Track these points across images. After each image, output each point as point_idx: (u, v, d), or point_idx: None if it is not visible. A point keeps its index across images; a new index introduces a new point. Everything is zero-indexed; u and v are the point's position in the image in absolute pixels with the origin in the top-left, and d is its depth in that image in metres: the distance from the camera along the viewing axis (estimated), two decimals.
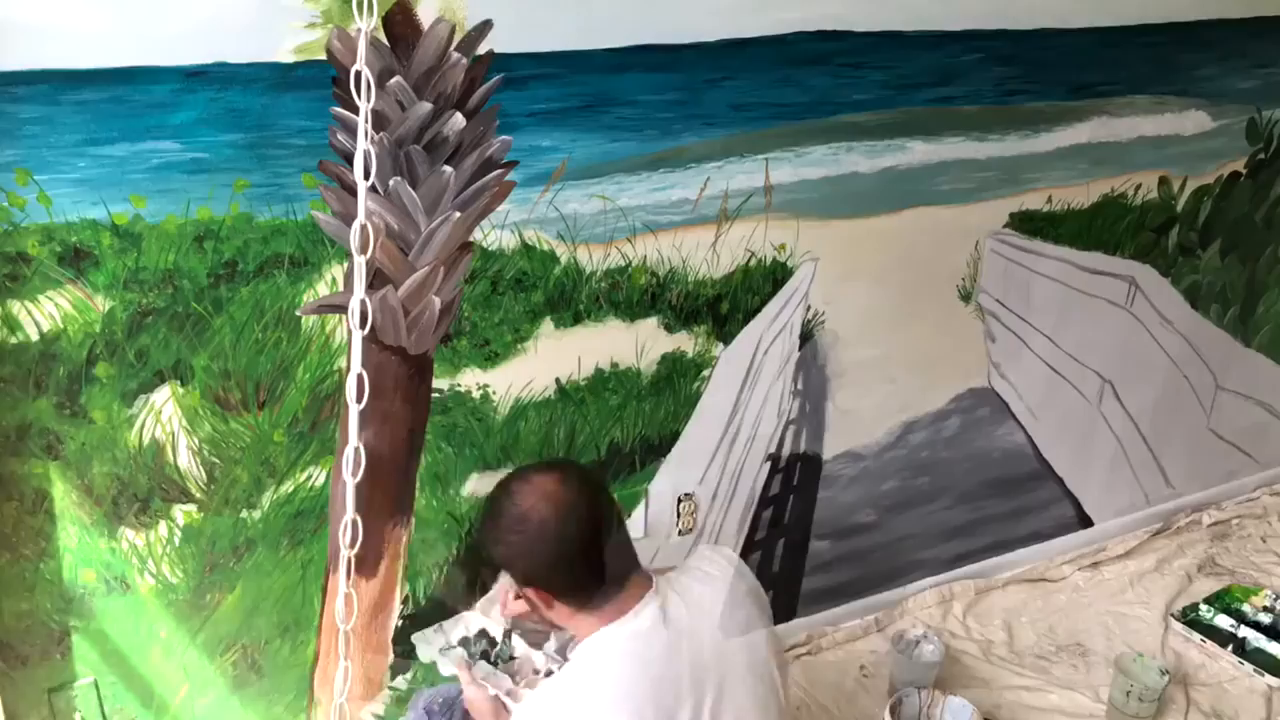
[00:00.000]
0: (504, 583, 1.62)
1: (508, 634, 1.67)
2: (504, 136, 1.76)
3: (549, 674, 1.55)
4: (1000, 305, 2.55)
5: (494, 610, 1.72)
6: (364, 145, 1.38)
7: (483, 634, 1.65)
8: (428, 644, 1.65)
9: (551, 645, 1.60)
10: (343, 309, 1.66)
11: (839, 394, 2.40)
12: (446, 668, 1.59)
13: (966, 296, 2.50)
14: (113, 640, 1.75)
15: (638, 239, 1.98)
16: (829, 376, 2.38)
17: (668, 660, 1.37)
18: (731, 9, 1.90)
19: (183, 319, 1.64)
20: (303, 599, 1.89)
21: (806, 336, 2.30)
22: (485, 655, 1.60)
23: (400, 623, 1.99)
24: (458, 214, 1.75)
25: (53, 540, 1.65)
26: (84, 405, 1.61)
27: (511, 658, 1.61)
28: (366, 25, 1.36)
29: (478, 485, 1.99)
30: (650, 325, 2.08)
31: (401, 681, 2.04)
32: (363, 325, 1.43)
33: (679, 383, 2.16)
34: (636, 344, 2.07)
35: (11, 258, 1.49)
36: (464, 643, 1.64)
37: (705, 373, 2.18)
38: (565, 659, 1.57)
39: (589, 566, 1.38)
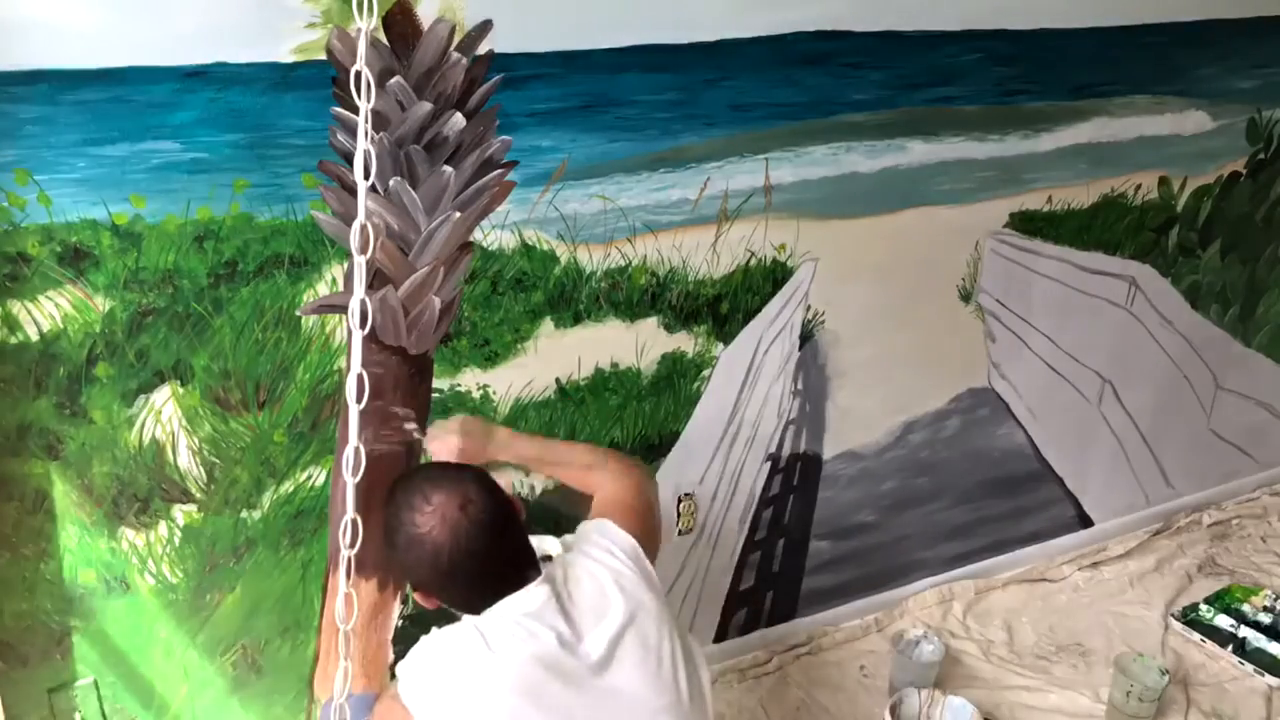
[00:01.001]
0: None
1: None
2: (504, 136, 1.76)
3: None
4: (1000, 305, 2.55)
5: None
6: (364, 145, 1.38)
7: None
8: None
9: None
10: (343, 309, 1.66)
11: (839, 394, 2.40)
12: None
13: (966, 296, 2.50)
14: (113, 640, 1.75)
15: (638, 239, 1.98)
16: (829, 376, 2.38)
17: (549, 646, 1.34)
18: (731, 9, 1.90)
19: (183, 319, 1.64)
20: (303, 599, 1.89)
21: (806, 336, 2.30)
22: None
23: (400, 623, 1.99)
24: (458, 214, 1.75)
25: (53, 540, 1.65)
26: (84, 405, 1.61)
27: None
28: (366, 25, 1.35)
29: None
30: (650, 325, 2.08)
31: None
32: (363, 325, 1.43)
33: (679, 383, 2.16)
34: (636, 344, 2.08)
35: (11, 258, 1.49)
36: None
37: (705, 373, 2.18)
38: None
39: (483, 589, 1.37)
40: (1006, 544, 2.84)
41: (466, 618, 1.39)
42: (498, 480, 1.44)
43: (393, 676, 2.02)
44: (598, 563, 1.44)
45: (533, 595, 1.36)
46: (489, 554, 1.36)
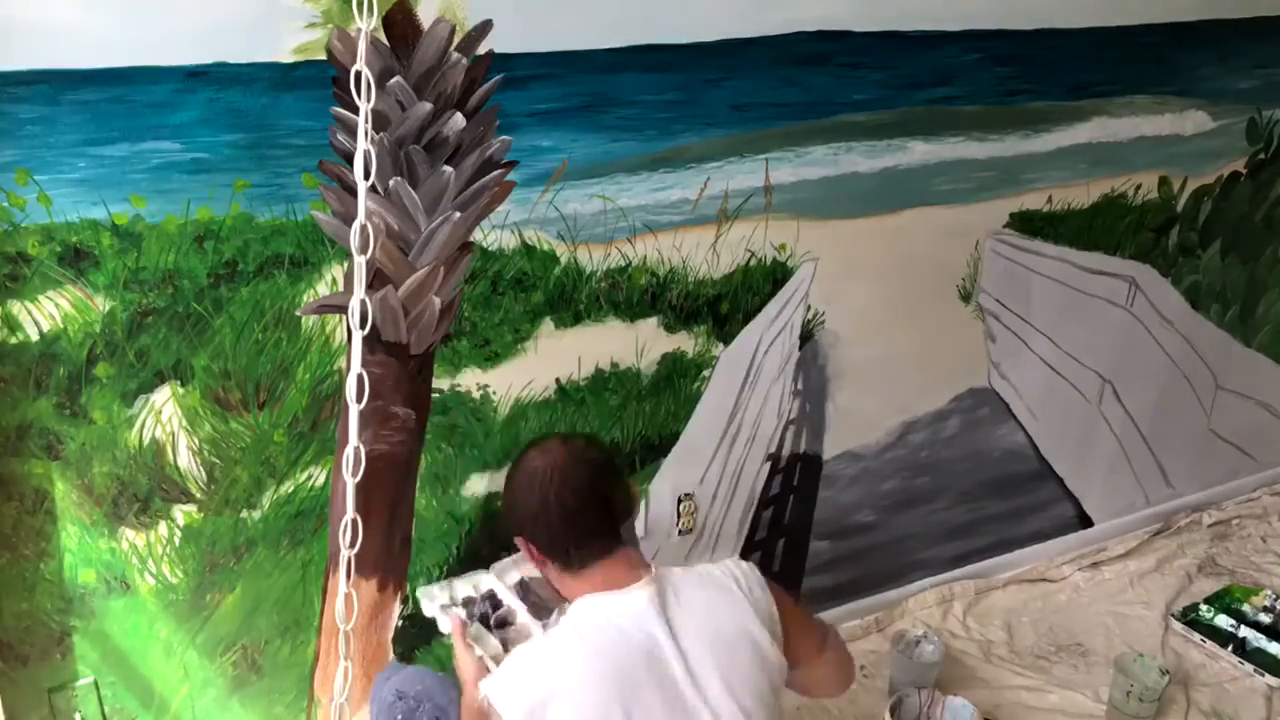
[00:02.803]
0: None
1: (520, 596, 1.66)
2: (504, 136, 1.76)
3: None
4: (1000, 305, 2.55)
5: (508, 575, 1.72)
6: (364, 145, 1.38)
7: (489, 595, 1.64)
8: (431, 599, 1.64)
9: (554, 619, 1.60)
10: (343, 309, 1.66)
11: (839, 394, 2.40)
12: (445, 625, 1.59)
13: (966, 296, 2.50)
14: (113, 640, 1.75)
15: (638, 239, 1.98)
16: (829, 376, 2.38)
17: (644, 646, 1.38)
18: (731, 9, 1.90)
19: (183, 319, 1.64)
20: (303, 599, 1.89)
21: (806, 336, 2.30)
22: (485, 618, 1.59)
23: (400, 623, 1.99)
24: (458, 214, 1.75)
25: (53, 540, 1.65)
26: (84, 405, 1.61)
27: (509, 624, 1.60)
28: (366, 25, 1.35)
29: (478, 485, 1.99)
30: (650, 325, 2.08)
31: None
32: (363, 325, 1.43)
33: (679, 383, 2.16)
34: (636, 344, 2.08)
35: (11, 258, 1.49)
36: (467, 602, 1.63)
37: (705, 373, 2.18)
38: None
39: (568, 525, 1.45)
40: (1006, 544, 2.84)
41: (554, 627, 1.44)
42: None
43: None
44: (714, 583, 1.49)
45: (634, 595, 1.41)
46: (582, 486, 1.46)
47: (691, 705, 1.38)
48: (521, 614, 1.61)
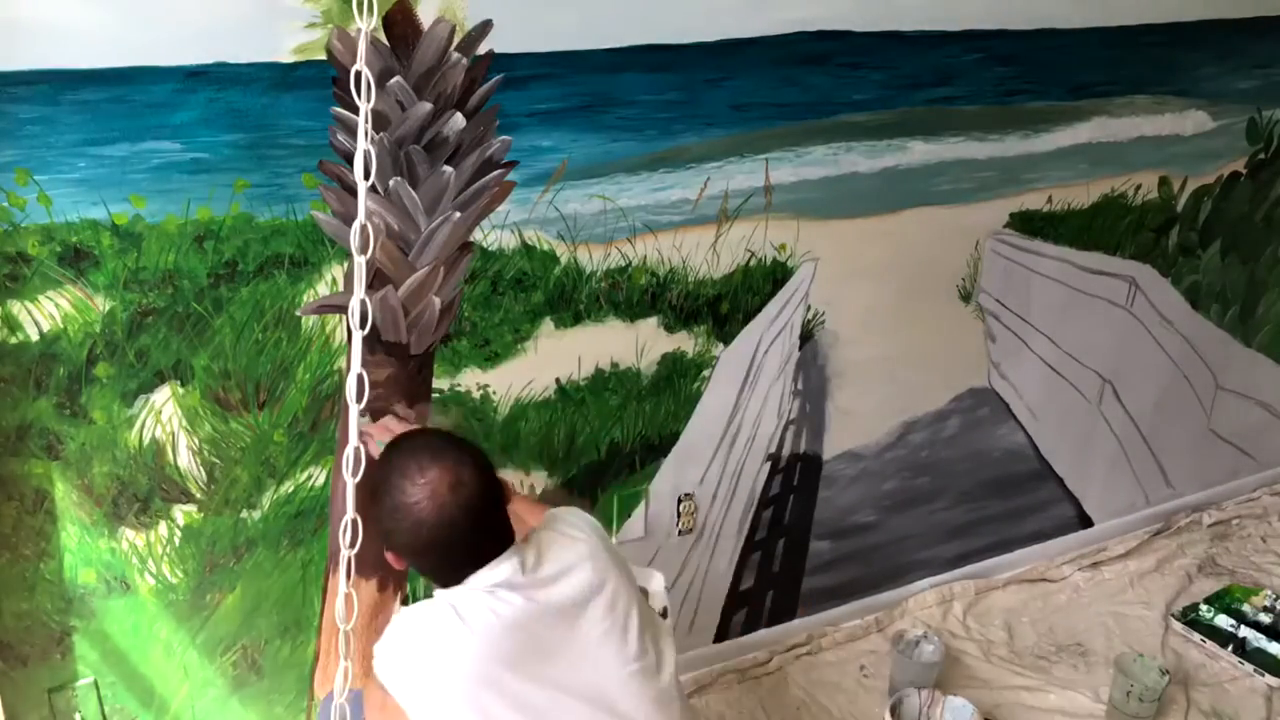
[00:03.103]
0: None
1: None
2: (504, 136, 1.76)
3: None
4: (1000, 305, 2.55)
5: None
6: (364, 145, 1.38)
7: None
8: None
9: None
10: (343, 309, 1.66)
11: (839, 394, 2.40)
12: None
13: (966, 296, 2.50)
14: (113, 640, 1.75)
15: (638, 239, 1.98)
16: (829, 376, 2.38)
17: (525, 610, 1.37)
18: (731, 9, 1.90)
19: (183, 319, 1.64)
20: (303, 599, 1.89)
21: (806, 336, 2.30)
22: None
23: None
24: (458, 214, 1.75)
25: (53, 540, 1.65)
26: (84, 405, 1.61)
27: None
28: (366, 25, 1.35)
29: None
30: (650, 325, 2.08)
31: None
32: (363, 325, 1.43)
33: (679, 383, 2.16)
34: (636, 344, 2.08)
35: (11, 258, 1.49)
36: None
37: (705, 373, 2.18)
38: None
39: (455, 564, 1.39)
40: (1006, 544, 2.84)
41: (438, 593, 1.41)
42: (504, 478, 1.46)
43: None
44: (566, 536, 1.47)
45: (501, 567, 1.38)
46: (467, 535, 1.36)
47: (576, 652, 1.38)
48: None
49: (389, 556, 1.43)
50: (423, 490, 1.33)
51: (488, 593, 1.36)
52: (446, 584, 1.40)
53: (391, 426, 1.70)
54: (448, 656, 1.34)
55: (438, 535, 1.35)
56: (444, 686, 1.34)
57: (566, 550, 1.45)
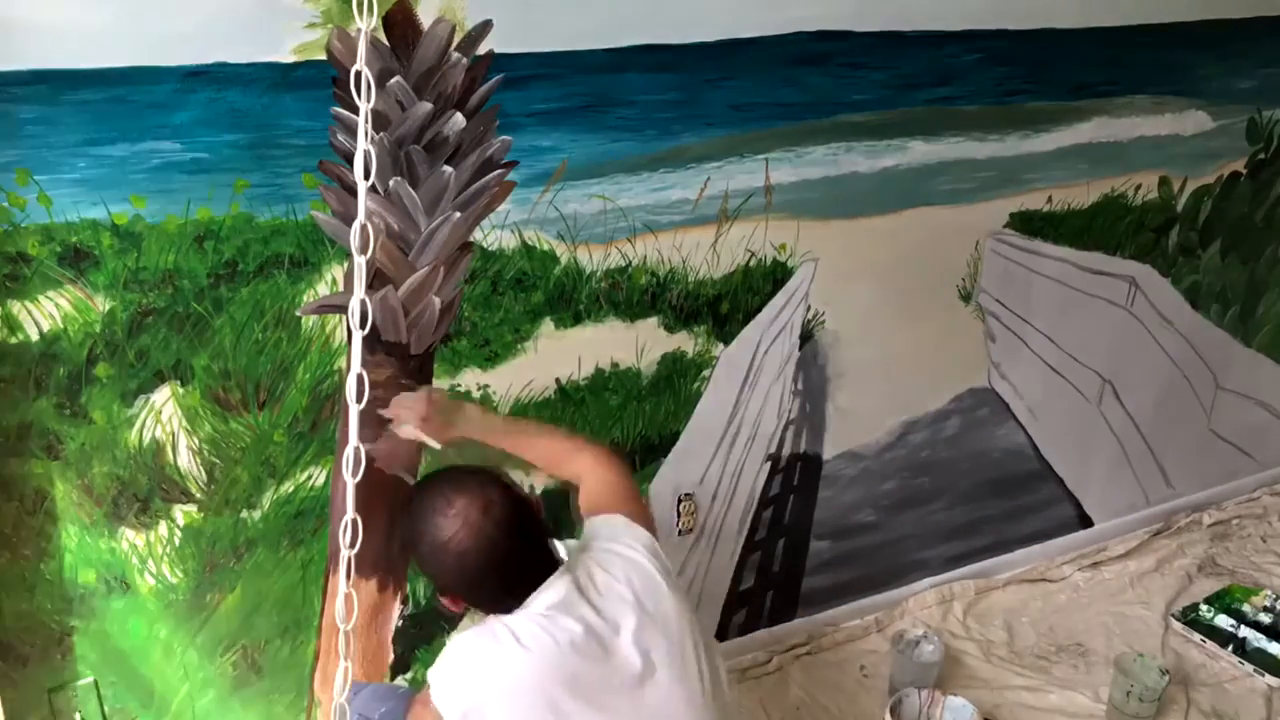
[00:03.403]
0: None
1: None
2: (504, 136, 1.76)
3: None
4: (1000, 305, 2.55)
5: None
6: (364, 145, 1.38)
7: None
8: None
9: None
10: (343, 309, 1.66)
11: (839, 394, 2.40)
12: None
13: (966, 296, 2.50)
14: (113, 640, 1.75)
15: (638, 239, 1.98)
16: (829, 376, 2.38)
17: (581, 631, 1.36)
18: (731, 9, 1.90)
19: (183, 319, 1.64)
20: (303, 599, 1.89)
21: (806, 336, 2.30)
22: None
23: (400, 623, 1.99)
24: (458, 214, 1.75)
25: (53, 540, 1.65)
26: (84, 405, 1.61)
27: None
28: (366, 25, 1.35)
29: None
30: (650, 325, 2.08)
31: (402, 681, 2.04)
32: (363, 325, 1.43)
33: (679, 383, 2.16)
34: (636, 344, 2.08)
35: (11, 258, 1.49)
36: None
37: (705, 373, 2.18)
38: None
39: (510, 589, 1.38)
40: (1006, 544, 2.84)
41: (491, 617, 1.40)
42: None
43: (392, 677, 2.02)
44: (617, 556, 1.45)
45: (555, 588, 1.37)
46: (513, 555, 1.37)
47: (635, 670, 1.37)
48: None
49: (446, 602, 1.44)
50: (455, 522, 1.34)
51: (544, 615, 1.35)
52: (509, 611, 1.38)
53: (405, 404, 1.70)
54: (505, 680, 1.33)
55: (482, 560, 1.35)
56: (502, 711, 1.32)
57: (619, 568, 1.43)
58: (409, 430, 1.69)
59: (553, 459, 1.72)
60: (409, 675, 2.04)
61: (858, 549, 2.59)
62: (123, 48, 1.45)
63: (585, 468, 1.65)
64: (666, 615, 1.42)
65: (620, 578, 1.42)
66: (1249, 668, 2.48)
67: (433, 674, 1.38)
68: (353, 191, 1.49)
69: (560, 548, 1.47)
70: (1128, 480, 3.00)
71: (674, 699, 1.39)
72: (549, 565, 1.40)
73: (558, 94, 1.80)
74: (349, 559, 1.48)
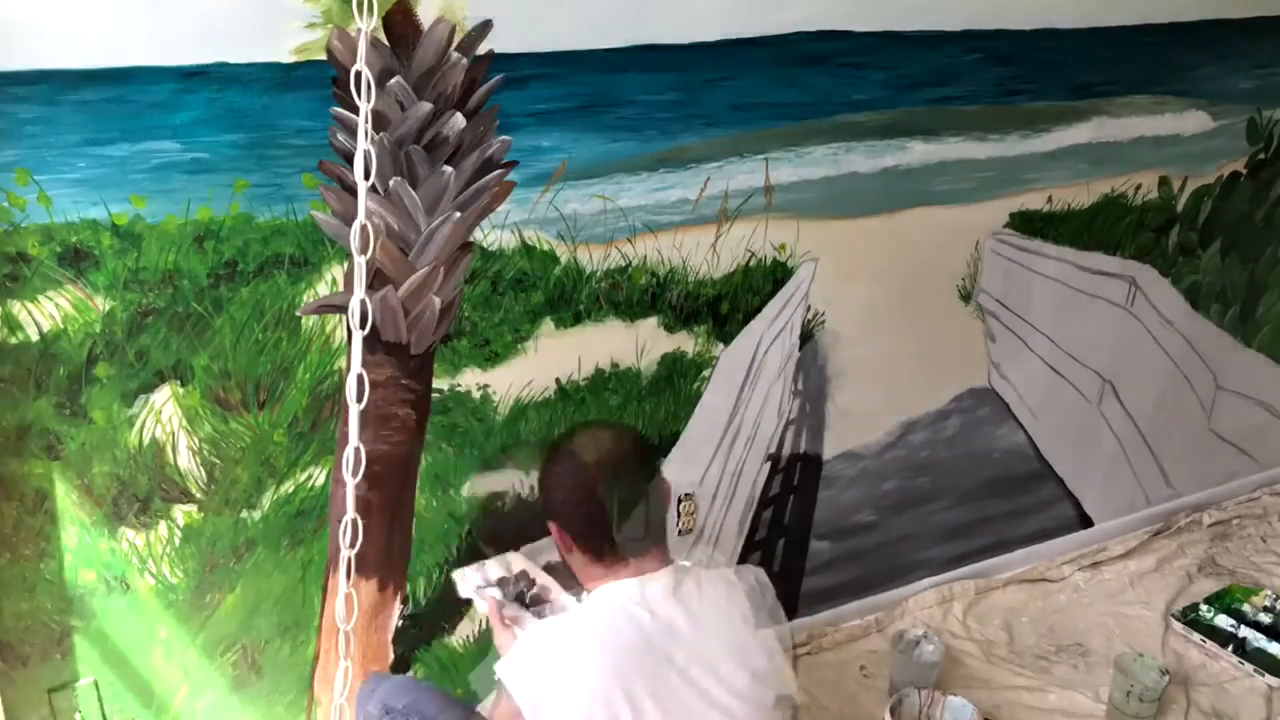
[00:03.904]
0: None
1: (553, 575, 1.67)
2: (504, 136, 1.76)
3: None
4: (1000, 305, 2.55)
5: (539, 556, 1.73)
6: (364, 145, 1.38)
7: (523, 575, 1.64)
8: (465, 580, 1.64)
9: (581, 597, 1.60)
10: (343, 309, 1.66)
11: (839, 394, 2.40)
12: (481, 606, 1.59)
13: (966, 296, 2.50)
14: (113, 640, 1.75)
15: (638, 239, 1.98)
16: (829, 376, 2.38)
17: (658, 632, 1.40)
18: (731, 9, 1.90)
19: (183, 319, 1.64)
20: (303, 599, 1.89)
21: (806, 336, 2.30)
22: (520, 597, 1.60)
23: (400, 623, 1.99)
24: (458, 214, 1.75)
25: (53, 540, 1.65)
26: (84, 405, 1.61)
27: (544, 601, 1.60)
28: (366, 25, 1.35)
29: (478, 485, 1.99)
30: (650, 325, 2.08)
31: None
32: (363, 325, 1.43)
33: (679, 383, 2.16)
34: (636, 344, 2.08)
35: (11, 258, 1.49)
36: (502, 582, 1.63)
37: (705, 373, 2.18)
38: None
39: (602, 518, 1.45)
40: (1006, 544, 2.84)
41: (582, 597, 1.47)
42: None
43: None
44: (728, 582, 1.51)
45: (659, 581, 1.44)
46: (621, 480, 1.47)
47: (699, 693, 1.40)
48: (556, 591, 1.61)
49: (554, 530, 1.51)
50: (585, 439, 1.52)
51: (635, 603, 1.40)
52: (602, 554, 1.45)
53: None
54: (587, 663, 1.38)
55: (590, 475, 1.46)
56: (579, 695, 1.35)
57: (721, 593, 1.49)
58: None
59: None
60: (409, 675, 2.04)
61: (858, 549, 2.59)
62: (123, 48, 1.45)
63: None
64: (747, 653, 1.46)
65: (719, 595, 1.48)
66: (1249, 668, 2.48)
67: (509, 662, 1.42)
68: (353, 191, 1.49)
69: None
70: (1128, 480, 3.00)
71: (737, 689, 1.42)
72: (653, 531, 1.49)
73: (558, 94, 1.80)
74: (349, 559, 1.48)
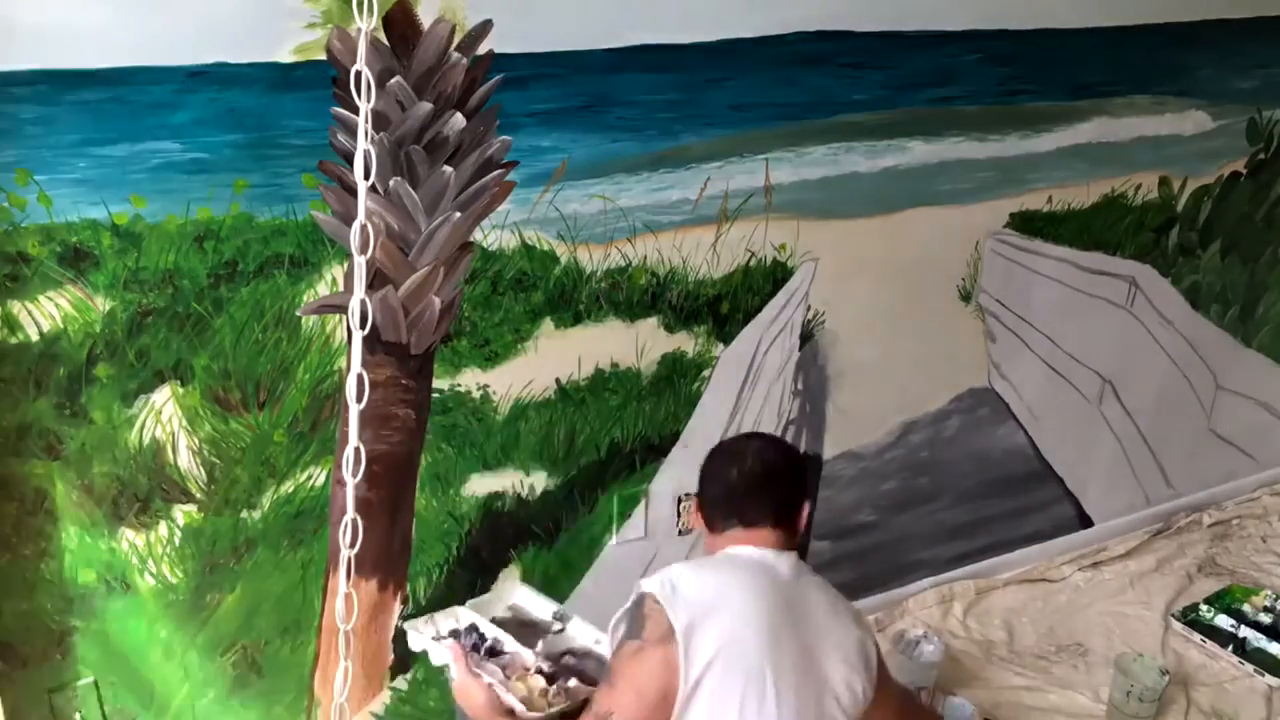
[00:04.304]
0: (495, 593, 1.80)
1: (502, 627, 1.67)
2: (504, 136, 1.76)
3: (539, 671, 1.55)
4: (1000, 305, 2.55)
5: (487, 608, 1.73)
6: (364, 145, 1.38)
7: (472, 628, 1.65)
8: (418, 633, 1.65)
9: (540, 647, 1.61)
10: (343, 309, 1.66)
11: (839, 394, 2.40)
12: (438, 657, 1.59)
13: (966, 296, 2.50)
14: (113, 640, 1.75)
15: (638, 239, 1.98)
16: (829, 376, 2.38)
17: (788, 597, 1.47)
18: (731, 9, 1.90)
19: (183, 319, 1.64)
20: (303, 599, 1.89)
21: (806, 336, 2.30)
22: (475, 648, 1.61)
23: (400, 623, 1.99)
24: (458, 214, 1.75)
25: (53, 540, 1.65)
26: (84, 405, 1.61)
27: (502, 652, 1.61)
28: (366, 25, 1.35)
29: (478, 485, 1.99)
30: (650, 325, 2.08)
31: (401, 682, 2.04)
32: (363, 325, 1.43)
33: (679, 383, 2.16)
34: (636, 344, 2.07)
35: (11, 258, 1.49)
36: (454, 634, 1.64)
37: (705, 373, 2.18)
38: (556, 663, 1.59)
39: (745, 506, 1.53)
40: (1006, 544, 2.84)
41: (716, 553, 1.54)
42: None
43: (392, 677, 2.03)
44: (833, 607, 1.54)
45: (785, 559, 1.51)
46: (774, 481, 1.55)
47: (805, 672, 1.43)
48: (509, 643, 1.62)
49: (695, 510, 1.61)
50: (755, 436, 1.76)
51: (759, 564, 1.48)
52: (740, 518, 1.53)
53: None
54: (711, 571, 1.48)
55: (747, 467, 1.55)
56: (738, 622, 1.39)
57: (833, 600, 1.55)
58: None
59: None
60: (409, 675, 2.04)
61: (858, 549, 2.59)
62: (123, 48, 1.45)
63: None
64: (845, 650, 1.49)
65: (821, 610, 1.51)
66: (1249, 668, 2.48)
67: (651, 581, 1.43)
68: (353, 191, 1.49)
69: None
70: (1128, 480, 3.00)
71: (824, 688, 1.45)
72: (789, 527, 1.55)
73: (558, 94, 1.80)
74: (349, 559, 1.48)
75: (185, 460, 1.71)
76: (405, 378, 1.81)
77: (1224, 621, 2.62)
